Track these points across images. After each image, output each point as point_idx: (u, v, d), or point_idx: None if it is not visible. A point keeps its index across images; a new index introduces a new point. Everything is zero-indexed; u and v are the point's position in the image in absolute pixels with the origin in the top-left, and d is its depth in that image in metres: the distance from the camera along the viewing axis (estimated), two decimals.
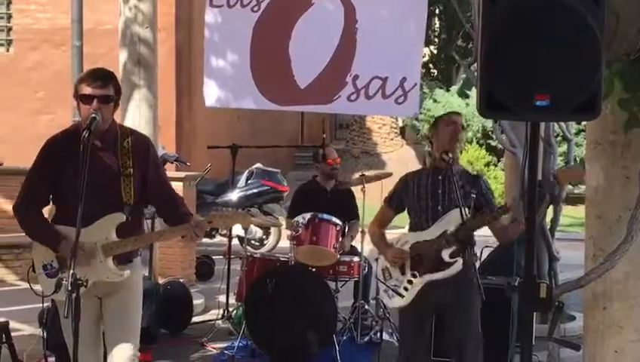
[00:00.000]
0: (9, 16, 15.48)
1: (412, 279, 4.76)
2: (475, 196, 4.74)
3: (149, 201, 4.37)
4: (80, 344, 3.78)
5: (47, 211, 4.33)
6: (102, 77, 4.08)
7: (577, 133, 15.97)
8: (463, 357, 4.73)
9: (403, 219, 5.13)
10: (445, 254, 4.68)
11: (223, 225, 4.08)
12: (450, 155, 4.74)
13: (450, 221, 4.70)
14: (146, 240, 4.20)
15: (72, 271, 3.62)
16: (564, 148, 11.65)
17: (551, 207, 7.75)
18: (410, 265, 4.79)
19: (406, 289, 4.78)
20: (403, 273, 4.82)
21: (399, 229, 5.44)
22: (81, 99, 4.03)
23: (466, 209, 4.63)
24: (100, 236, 4.08)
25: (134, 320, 4.30)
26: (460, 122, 4.89)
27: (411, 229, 4.94)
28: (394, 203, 5.02)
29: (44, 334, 5.90)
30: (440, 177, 4.81)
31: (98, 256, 4.08)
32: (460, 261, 4.64)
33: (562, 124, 7.73)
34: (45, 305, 4.69)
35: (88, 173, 3.81)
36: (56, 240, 4.08)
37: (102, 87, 4.04)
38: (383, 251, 4.95)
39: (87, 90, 4.02)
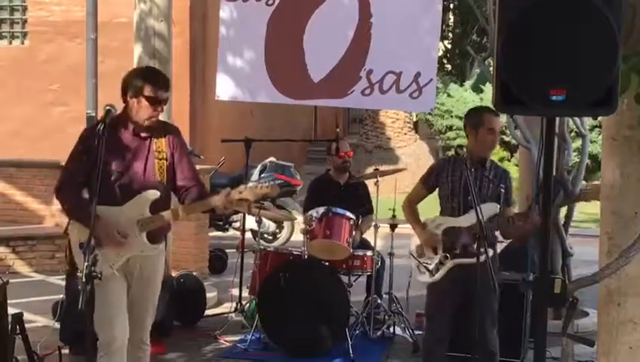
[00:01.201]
0: (24, 9, 15.49)
1: (443, 261, 5.05)
2: (503, 191, 5.04)
3: (177, 183, 4.58)
4: (114, 318, 4.27)
5: None
6: (166, 81, 4.52)
7: (592, 129, 15.89)
8: (482, 329, 4.92)
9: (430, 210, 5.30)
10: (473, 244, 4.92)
11: (253, 196, 4.32)
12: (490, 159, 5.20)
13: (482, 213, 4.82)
14: (179, 213, 4.34)
15: (86, 264, 3.78)
16: (578, 143, 11.60)
17: None
18: (443, 247, 5.06)
19: (437, 268, 5.07)
20: (435, 253, 5.10)
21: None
22: (149, 100, 4.36)
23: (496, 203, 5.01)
24: (136, 212, 4.34)
25: (154, 300, 4.60)
26: (499, 129, 5.13)
27: (442, 214, 5.20)
28: (429, 183, 5.26)
29: (59, 325, 5.95)
30: (473, 169, 5.00)
31: (134, 231, 4.33)
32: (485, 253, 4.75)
33: (577, 119, 7.68)
34: (59, 296, 4.71)
35: (132, 157, 4.37)
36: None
37: (167, 90, 4.48)
38: (417, 231, 5.21)
39: (157, 94, 4.39)
